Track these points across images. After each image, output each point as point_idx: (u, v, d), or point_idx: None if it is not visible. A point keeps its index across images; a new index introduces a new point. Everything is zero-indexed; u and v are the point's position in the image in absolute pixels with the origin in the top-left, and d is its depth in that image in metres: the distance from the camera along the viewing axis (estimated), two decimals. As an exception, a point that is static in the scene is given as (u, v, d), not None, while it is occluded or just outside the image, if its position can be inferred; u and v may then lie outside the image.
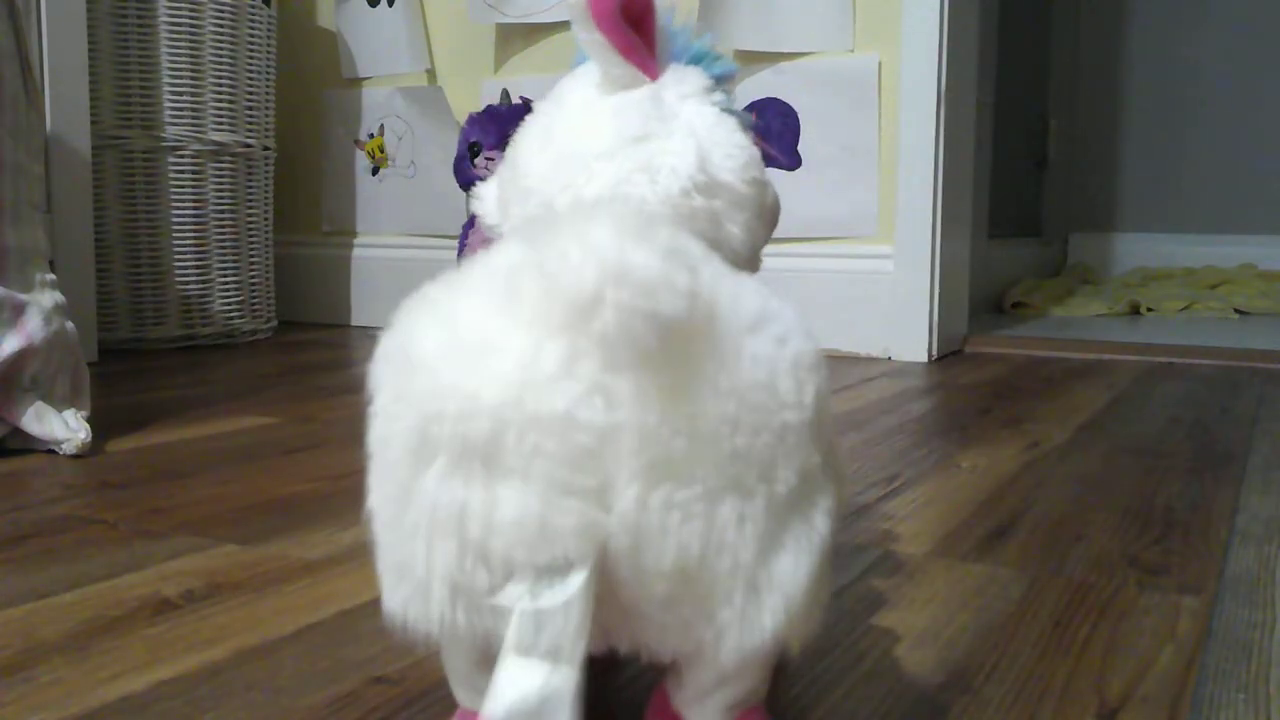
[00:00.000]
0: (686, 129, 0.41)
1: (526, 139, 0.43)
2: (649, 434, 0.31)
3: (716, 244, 0.41)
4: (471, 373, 0.31)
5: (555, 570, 0.32)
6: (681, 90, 0.42)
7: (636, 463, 0.31)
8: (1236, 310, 2.27)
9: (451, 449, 0.32)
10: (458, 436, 0.31)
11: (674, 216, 0.40)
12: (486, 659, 0.36)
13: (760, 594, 0.33)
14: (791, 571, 0.33)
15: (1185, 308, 2.28)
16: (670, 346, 0.31)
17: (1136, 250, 3.12)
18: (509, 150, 0.44)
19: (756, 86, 1.66)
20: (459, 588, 0.33)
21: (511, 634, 0.32)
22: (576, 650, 0.31)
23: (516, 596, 0.32)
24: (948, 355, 1.68)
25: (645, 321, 0.30)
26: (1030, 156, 2.91)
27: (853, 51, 1.63)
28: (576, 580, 0.31)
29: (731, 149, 0.41)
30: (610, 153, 0.40)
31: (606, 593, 0.33)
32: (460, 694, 0.38)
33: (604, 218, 0.31)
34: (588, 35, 0.40)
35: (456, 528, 0.32)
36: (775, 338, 0.33)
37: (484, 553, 0.32)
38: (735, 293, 0.34)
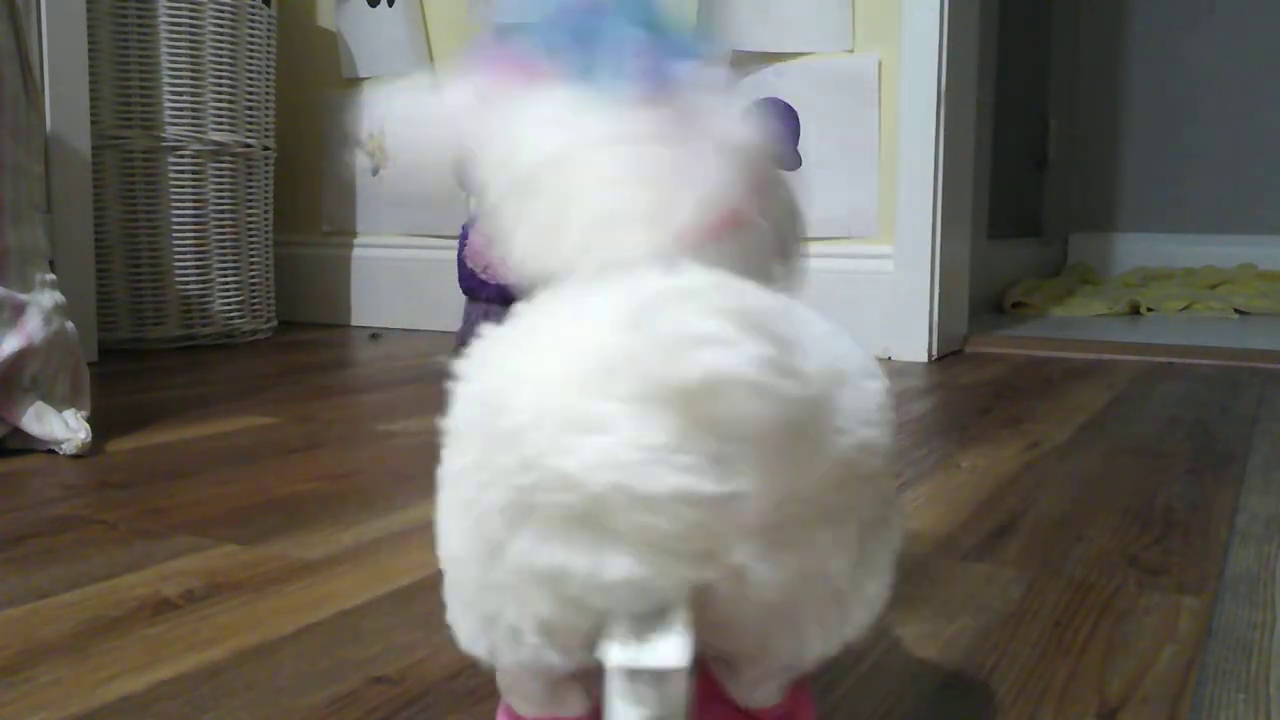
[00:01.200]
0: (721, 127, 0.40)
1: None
2: (763, 503, 0.31)
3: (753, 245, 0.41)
4: (570, 452, 0.30)
5: (654, 615, 0.32)
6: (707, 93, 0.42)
7: (750, 525, 0.31)
8: (1236, 310, 2.27)
9: (550, 518, 0.31)
10: (558, 508, 0.30)
11: None
12: (563, 680, 0.36)
13: (848, 613, 0.34)
14: (877, 591, 0.35)
15: (1185, 308, 2.28)
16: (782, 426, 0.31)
17: (1136, 250, 3.12)
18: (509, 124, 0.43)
19: (757, 86, 1.66)
20: (554, 634, 0.33)
21: (618, 686, 0.31)
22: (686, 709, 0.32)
23: (623, 656, 0.31)
24: (948, 355, 1.68)
25: (755, 418, 0.29)
26: (1030, 156, 2.91)
27: (853, 51, 1.63)
28: (678, 636, 0.31)
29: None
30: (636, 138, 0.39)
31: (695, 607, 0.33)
32: (524, 707, 0.38)
33: (702, 303, 0.30)
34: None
35: (555, 586, 0.31)
36: (858, 388, 0.34)
37: (582, 606, 0.32)
38: (831, 350, 0.34)
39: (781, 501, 0.32)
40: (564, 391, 0.31)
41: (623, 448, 0.30)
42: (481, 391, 0.33)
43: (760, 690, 0.37)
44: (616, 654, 0.31)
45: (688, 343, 0.29)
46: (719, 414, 0.29)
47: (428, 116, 0.40)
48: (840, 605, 0.34)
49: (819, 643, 0.35)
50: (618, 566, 0.31)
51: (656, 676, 0.31)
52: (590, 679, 0.35)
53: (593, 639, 0.32)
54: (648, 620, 0.32)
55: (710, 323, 0.29)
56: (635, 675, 0.31)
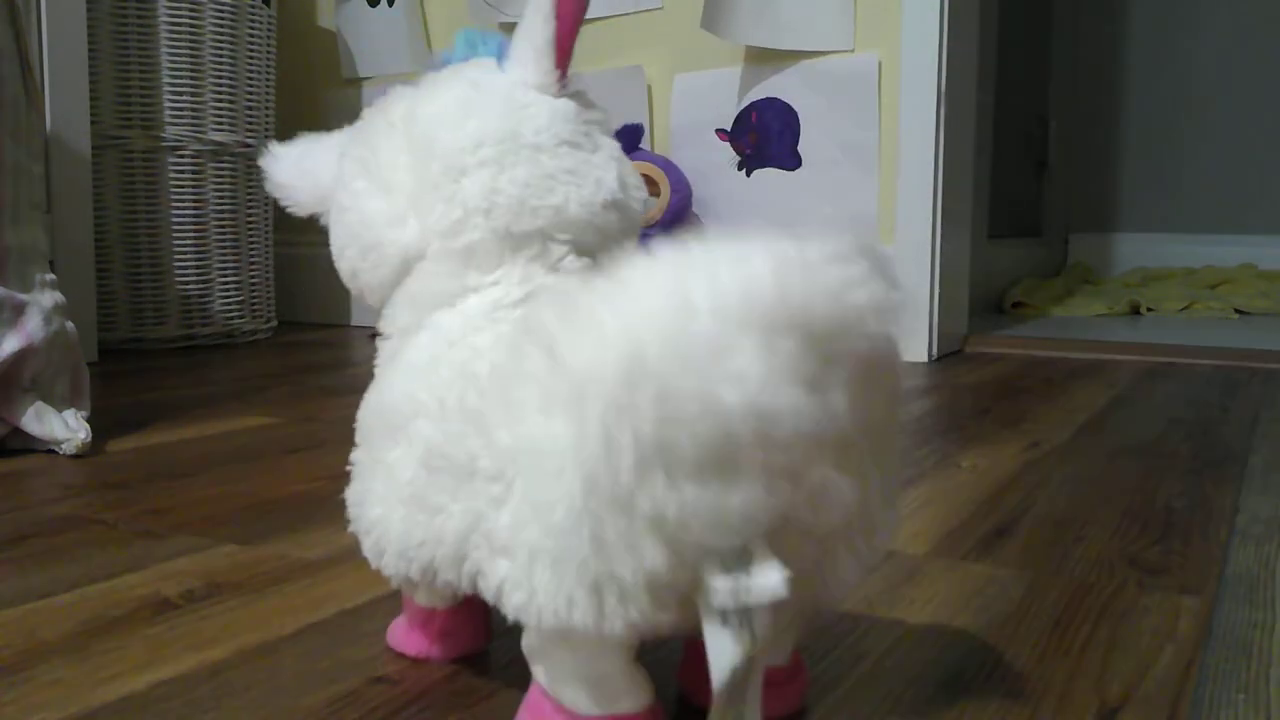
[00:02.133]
0: (610, 148, 0.45)
1: (436, 106, 0.45)
2: (847, 438, 0.33)
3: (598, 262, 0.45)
4: (707, 379, 0.30)
5: (741, 554, 0.33)
6: (593, 115, 0.45)
7: (830, 443, 0.33)
8: (1236, 310, 2.27)
9: (684, 454, 0.31)
10: (694, 440, 0.31)
11: (589, 227, 0.43)
12: (635, 665, 0.38)
13: (876, 539, 0.37)
14: (894, 516, 0.38)
15: (1185, 308, 2.28)
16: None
17: (1136, 250, 3.12)
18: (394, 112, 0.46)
19: (757, 86, 1.66)
20: (660, 589, 0.33)
21: (724, 619, 0.33)
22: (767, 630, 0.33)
23: (732, 587, 0.32)
24: (948, 355, 1.68)
25: (879, 344, 0.33)
26: (1030, 157, 2.91)
27: (853, 51, 1.63)
28: (772, 564, 0.33)
29: (637, 178, 0.46)
30: (539, 146, 0.43)
31: None
32: (592, 700, 0.38)
33: (834, 241, 0.32)
34: (544, 25, 0.42)
35: (678, 529, 0.32)
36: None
37: (691, 551, 0.32)
38: None
39: (859, 436, 0.34)
40: (701, 324, 0.31)
41: (753, 384, 0.31)
42: (607, 335, 0.32)
43: (780, 646, 0.39)
44: (725, 586, 0.32)
45: (835, 276, 0.31)
46: (851, 342, 0.32)
47: None
48: (871, 531, 0.36)
49: (853, 574, 0.36)
50: (739, 498, 0.32)
51: (762, 604, 0.32)
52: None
53: (686, 594, 0.33)
54: (736, 559, 0.33)
55: (849, 255, 0.32)
56: (743, 606, 0.32)
